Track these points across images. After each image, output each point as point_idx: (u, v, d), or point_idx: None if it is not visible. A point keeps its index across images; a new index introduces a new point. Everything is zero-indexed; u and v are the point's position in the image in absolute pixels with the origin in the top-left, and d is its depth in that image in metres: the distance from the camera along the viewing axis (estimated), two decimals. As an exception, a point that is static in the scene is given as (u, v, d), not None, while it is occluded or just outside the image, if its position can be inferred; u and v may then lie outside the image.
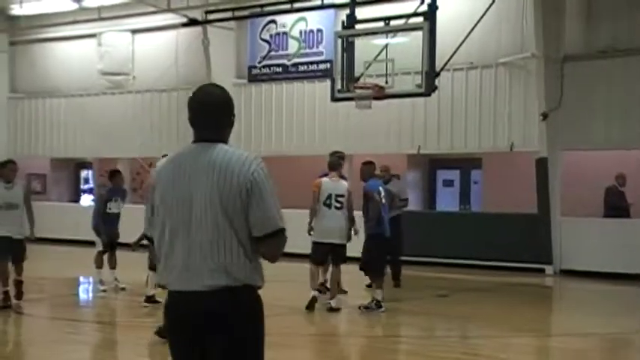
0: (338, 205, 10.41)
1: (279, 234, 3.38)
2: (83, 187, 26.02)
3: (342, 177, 10.98)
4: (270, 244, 3.39)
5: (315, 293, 10.46)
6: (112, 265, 12.39)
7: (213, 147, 3.42)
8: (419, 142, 16.62)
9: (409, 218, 13.68)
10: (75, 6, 20.68)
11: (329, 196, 10.41)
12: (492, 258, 15.54)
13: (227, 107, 3.57)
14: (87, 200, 24.41)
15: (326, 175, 10.72)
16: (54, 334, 9.83)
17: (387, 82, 13.28)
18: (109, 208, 12.33)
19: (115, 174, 12.83)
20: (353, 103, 14.05)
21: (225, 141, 3.50)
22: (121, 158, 21.08)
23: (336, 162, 10.82)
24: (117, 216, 12.38)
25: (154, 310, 10.21)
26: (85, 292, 13.94)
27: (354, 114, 15.66)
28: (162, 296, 10.05)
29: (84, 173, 26.05)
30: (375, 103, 13.74)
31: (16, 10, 21.90)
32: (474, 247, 15.61)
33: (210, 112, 3.50)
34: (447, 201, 19.11)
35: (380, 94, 13.23)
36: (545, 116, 14.90)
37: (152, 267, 10.18)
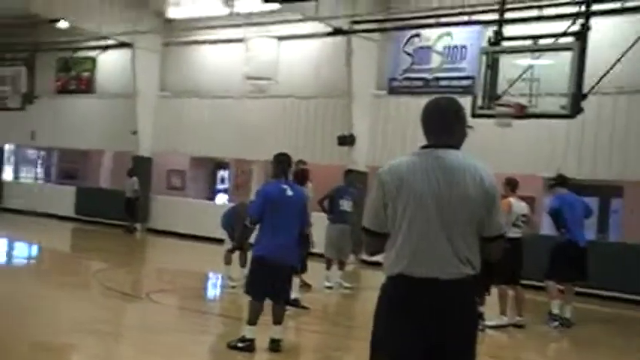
0: None
1: (501, 238, 3.90)
2: (219, 186, 26.82)
3: None
4: (495, 246, 3.87)
5: None
6: (242, 264, 12.67)
7: (450, 152, 3.79)
8: (557, 165, 16.13)
9: (543, 242, 13.27)
10: (226, 11, 21.38)
11: None
12: (630, 291, 14.86)
13: (462, 115, 3.95)
14: (222, 199, 25.14)
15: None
16: (183, 323, 10.20)
17: (529, 102, 12.99)
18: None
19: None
20: (490, 121, 13.83)
21: (458, 147, 3.86)
22: (256, 160, 21.58)
23: None
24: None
25: (293, 314, 10.43)
26: (214, 286, 14.32)
27: (490, 131, 15.39)
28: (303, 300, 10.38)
29: (220, 173, 26.85)
30: (513, 122, 13.48)
31: (171, 12, 22.89)
32: (611, 278, 14.97)
33: (450, 121, 3.88)
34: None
35: (522, 113, 12.95)
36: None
37: (297, 270, 10.44)
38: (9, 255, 17.34)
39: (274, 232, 8.06)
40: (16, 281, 12.63)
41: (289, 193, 8.24)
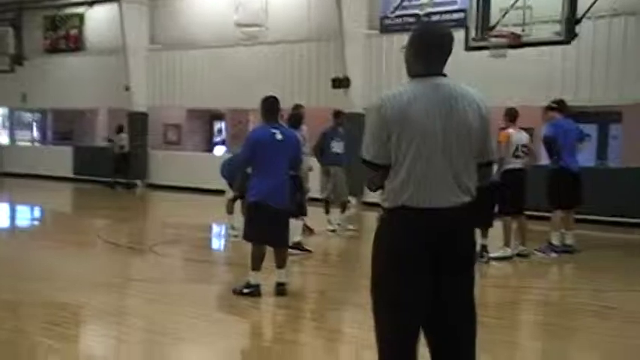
0: None
1: (492, 164, 4.04)
2: (216, 138, 26.74)
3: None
4: (487, 171, 3.98)
5: None
6: (245, 212, 12.64)
7: (447, 80, 3.76)
8: (555, 94, 16.00)
9: (541, 172, 13.26)
10: (212, -42, 21.02)
11: None
12: (630, 215, 14.91)
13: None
14: (220, 151, 25.08)
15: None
16: (188, 273, 10.24)
17: (523, 31, 12.84)
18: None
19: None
20: (485, 52, 13.71)
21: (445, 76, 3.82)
22: (253, 109, 21.43)
23: None
24: None
25: (297, 258, 10.48)
26: (218, 236, 14.35)
27: (485, 63, 15.24)
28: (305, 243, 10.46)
29: (217, 125, 26.74)
30: (509, 52, 13.35)
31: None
32: (611, 204, 15.01)
33: (448, 49, 3.83)
34: (583, 156, 18.39)
35: (516, 42, 12.84)
36: (694, 67, 14.05)
37: (298, 214, 10.48)
38: (12, 218, 17.35)
39: (266, 177, 7.99)
40: (21, 244, 12.65)
41: (279, 137, 8.11)
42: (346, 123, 14.09)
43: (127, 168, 22.92)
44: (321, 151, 13.43)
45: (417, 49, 3.83)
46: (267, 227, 8.04)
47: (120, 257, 11.35)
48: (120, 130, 23.16)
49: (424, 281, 3.67)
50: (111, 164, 22.91)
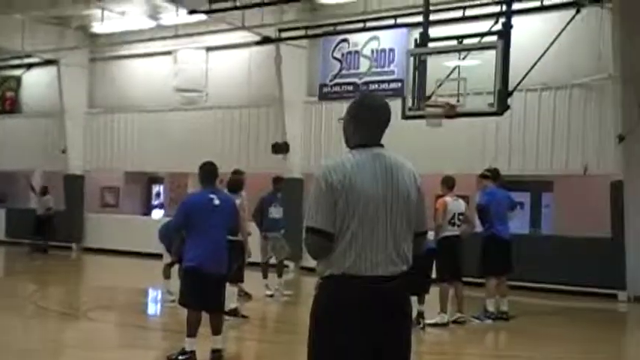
0: None
1: (426, 233, 4.05)
2: (154, 202, 26.51)
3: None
4: (422, 241, 3.98)
5: None
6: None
7: (386, 151, 3.85)
8: (489, 163, 16.40)
9: (478, 239, 13.51)
10: (153, 24, 21.15)
11: None
12: (563, 282, 15.23)
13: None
14: (158, 214, 24.86)
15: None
16: (123, 339, 10.05)
17: (458, 101, 13.18)
18: None
19: None
20: (422, 122, 13.99)
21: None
22: (192, 173, 21.39)
23: None
24: None
25: (234, 323, 10.41)
26: (154, 301, 14.15)
27: (423, 133, 15.58)
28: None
29: (156, 188, 26.55)
30: (445, 122, 13.66)
31: (96, 27, 22.52)
32: (545, 271, 15.32)
33: (387, 119, 3.91)
34: (517, 223, 18.80)
35: (451, 112, 13.13)
36: (621, 139, 14.57)
37: (234, 280, 10.48)
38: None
39: (202, 242, 7.99)
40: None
41: (216, 202, 8.14)
42: (284, 188, 14.20)
43: (52, 231, 22.29)
44: (261, 218, 13.51)
45: (356, 120, 3.88)
46: (202, 292, 8.00)
47: (53, 323, 11.09)
48: (44, 192, 22.71)
49: (359, 353, 3.67)
50: (33, 226, 22.35)
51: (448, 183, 11.33)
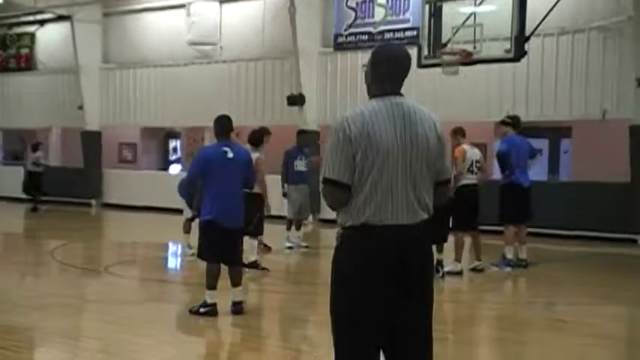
0: None
1: (449, 182, 4.10)
2: (172, 157, 26.59)
3: None
4: (445, 190, 4.00)
5: None
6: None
7: (405, 100, 3.85)
8: (507, 110, 16.26)
9: (495, 187, 13.46)
10: (165, -23, 20.98)
11: None
12: (581, 228, 15.20)
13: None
14: (175, 169, 24.94)
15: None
16: (144, 294, 10.15)
17: (474, 48, 13.03)
18: None
19: None
20: (439, 70, 13.88)
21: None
22: (208, 127, 21.37)
23: None
24: None
25: (254, 275, 10.49)
26: (174, 255, 14.26)
27: (440, 81, 15.46)
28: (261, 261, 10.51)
29: (172, 143, 26.60)
30: (461, 69, 13.54)
31: (108, -19, 22.39)
32: (563, 217, 15.28)
33: (407, 69, 3.91)
34: (535, 170, 18.70)
35: (467, 59, 13.01)
36: (640, 82, 14.39)
37: (254, 233, 10.55)
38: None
39: (218, 195, 8.01)
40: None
41: (230, 155, 8.13)
42: (304, 139, 14.18)
43: (39, 187, 22.07)
44: (286, 170, 13.55)
45: (376, 69, 3.89)
46: (218, 245, 8.04)
47: (74, 278, 11.21)
48: (36, 147, 22.46)
49: (383, 300, 3.69)
50: (25, 182, 22.18)
51: (460, 132, 11.26)
